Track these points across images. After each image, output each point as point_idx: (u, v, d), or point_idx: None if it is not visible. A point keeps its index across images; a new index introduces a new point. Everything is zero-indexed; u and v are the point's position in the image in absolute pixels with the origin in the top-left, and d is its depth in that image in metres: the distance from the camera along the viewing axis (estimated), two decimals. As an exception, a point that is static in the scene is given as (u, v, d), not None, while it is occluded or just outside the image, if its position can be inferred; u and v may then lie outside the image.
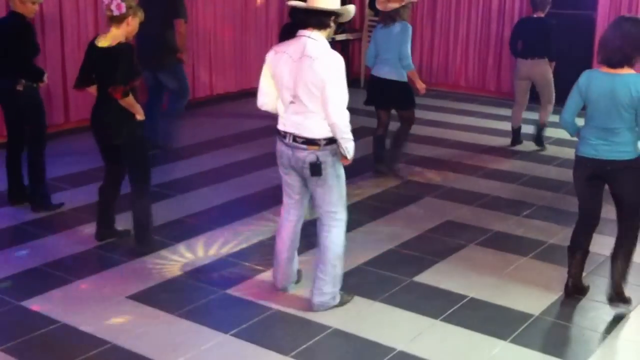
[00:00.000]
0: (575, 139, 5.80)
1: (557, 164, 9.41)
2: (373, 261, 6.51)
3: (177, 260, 6.48)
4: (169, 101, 9.56)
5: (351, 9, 5.45)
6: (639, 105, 5.27)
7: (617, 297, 5.64)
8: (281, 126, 5.43)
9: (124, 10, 6.18)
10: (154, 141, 8.76)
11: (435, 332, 5.40)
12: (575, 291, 5.84)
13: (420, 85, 8.57)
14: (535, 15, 9.80)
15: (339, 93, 5.21)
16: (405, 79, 8.34)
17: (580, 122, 5.64)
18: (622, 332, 5.47)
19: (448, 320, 5.54)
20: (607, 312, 5.67)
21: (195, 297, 5.84)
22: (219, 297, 5.84)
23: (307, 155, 5.30)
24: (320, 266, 5.56)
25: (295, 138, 5.32)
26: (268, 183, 8.28)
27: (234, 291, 5.92)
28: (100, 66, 6.28)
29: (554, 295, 5.91)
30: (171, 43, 9.08)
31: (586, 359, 5.10)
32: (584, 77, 5.52)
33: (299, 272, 6.00)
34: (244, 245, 6.79)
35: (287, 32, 13.94)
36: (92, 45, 6.38)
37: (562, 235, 7.01)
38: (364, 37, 14.05)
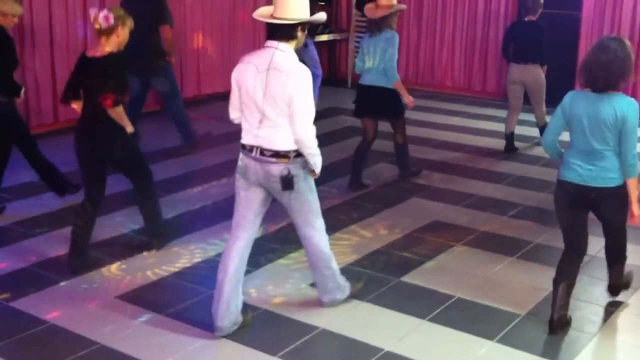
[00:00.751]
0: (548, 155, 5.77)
1: (542, 164, 9.45)
2: (360, 261, 6.54)
3: (165, 260, 6.49)
4: (166, 106, 9.71)
5: (320, 16, 5.29)
6: (622, 127, 5.11)
7: (616, 289, 5.85)
8: (246, 140, 5.22)
9: (112, 21, 6.03)
10: None
11: (422, 332, 5.43)
12: (560, 325, 5.52)
13: (409, 99, 8.30)
14: (526, 19, 9.77)
15: (306, 108, 5.05)
16: (392, 86, 8.24)
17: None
18: (608, 332, 5.51)
19: (435, 320, 5.57)
20: (593, 312, 5.72)
21: (183, 297, 5.86)
22: (207, 297, 5.82)
23: (277, 168, 5.13)
24: (316, 272, 5.62)
25: (262, 151, 5.13)
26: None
27: (222, 291, 5.93)
28: (91, 77, 6.13)
29: (540, 295, 5.94)
30: (159, 47, 9.09)
31: (572, 358, 5.14)
32: (568, 98, 5.33)
33: (246, 312, 5.51)
34: (231, 246, 6.79)
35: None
36: (82, 57, 6.27)
37: (548, 235, 7.06)
38: (351, 37, 14.07)
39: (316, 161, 5.19)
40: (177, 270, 6.32)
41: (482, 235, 7.15)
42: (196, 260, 6.51)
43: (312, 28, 10.18)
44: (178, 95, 9.55)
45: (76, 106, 6.36)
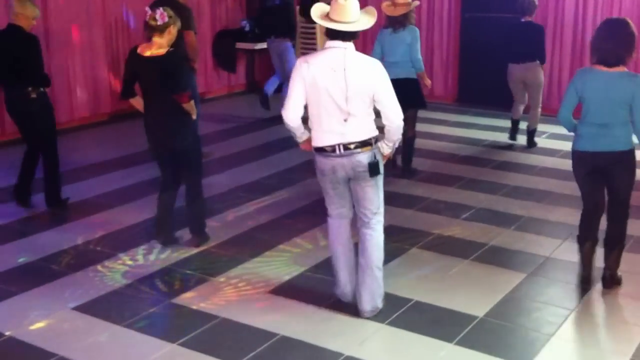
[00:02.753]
0: (554, 133, 5.92)
1: (493, 166, 9.54)
2: (316, 267, 6.52)
3: (121, 270, 6.44)
4: None
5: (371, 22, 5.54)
6: (632, 101, 5.59)
7: (612, 280, 6.07)
8: (324, 141, 5.43)
9: (166, 19, 6.39)
10: None
11: (381, 337, 5.44)
12: (587, 280, 6.11)
13: (428, 82, 9.07)
14: (523, 20, 10.09)
15: (393, 96, 5.37)
16: (416, 76, 8.79)
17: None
18: (565, 333, 5.54)
19: (394, 324, 5.58)
20: (550, 313, 5.76)
21: (141, 307, 5.80)
22: (165, 306, 5.82)
23: (365, 156, 5.39)
24: (367, 273, 5.65)
25: (346, 146, 5.38)
26: (212, 192, 8.24)
27: (180, 300, 5.90)
28: (156, 75, 6.42)
29: (497, 297, 5.98)
30: (184, 53, 8.99)
31: (530, 359, 5.18)
32: (579, 75, 5.81)
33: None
34: (188, 254, 6.76)
35: (221, 41, 13.92)
36: (136, 55, 6.50)
37: (502, 237, 7.12)
38: (297, 43, 14.06)
39: (395, 143, 5.57)
40: (133, 280, 6.26)
41: (436, 239, 7.17)
42: (153, 269, 6.46)
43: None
44: (198, 103, 9.40)
45: (135, 102, 6.76)
